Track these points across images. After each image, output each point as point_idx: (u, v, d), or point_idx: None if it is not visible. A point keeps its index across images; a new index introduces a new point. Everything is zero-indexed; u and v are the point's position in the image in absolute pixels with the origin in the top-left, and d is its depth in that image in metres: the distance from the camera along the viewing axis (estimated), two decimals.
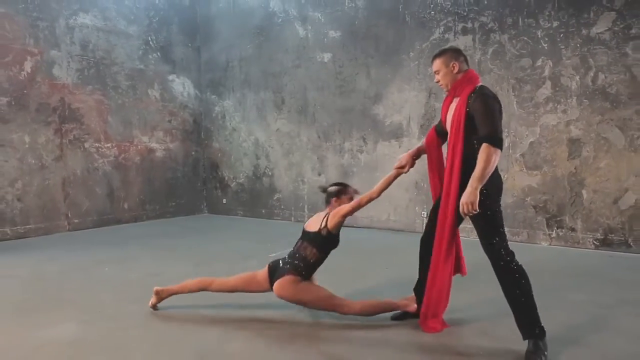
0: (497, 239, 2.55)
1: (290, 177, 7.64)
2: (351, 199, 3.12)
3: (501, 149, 2.52)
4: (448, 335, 2.79)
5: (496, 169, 2.58)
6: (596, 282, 3.90)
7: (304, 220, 7.42)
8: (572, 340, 2.70)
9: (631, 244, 4.95)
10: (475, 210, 2.47)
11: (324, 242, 3.02)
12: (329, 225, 3.00)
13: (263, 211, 7.88)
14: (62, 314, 3.24)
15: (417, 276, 3.02)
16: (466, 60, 2.79)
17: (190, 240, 6.03)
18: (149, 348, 2.66)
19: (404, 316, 3.04)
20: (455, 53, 2.78)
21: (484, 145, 2.49)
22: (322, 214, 3.12)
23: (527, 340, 2.51)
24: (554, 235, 5.40)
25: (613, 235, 5.06)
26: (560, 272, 4.24)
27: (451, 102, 2.78)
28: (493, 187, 2.57)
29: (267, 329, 2.91)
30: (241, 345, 2.70)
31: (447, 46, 2.87)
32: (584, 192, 5.21)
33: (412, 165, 3.03)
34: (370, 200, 2.97)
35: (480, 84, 2.70)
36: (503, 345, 2.63)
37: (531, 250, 5.15)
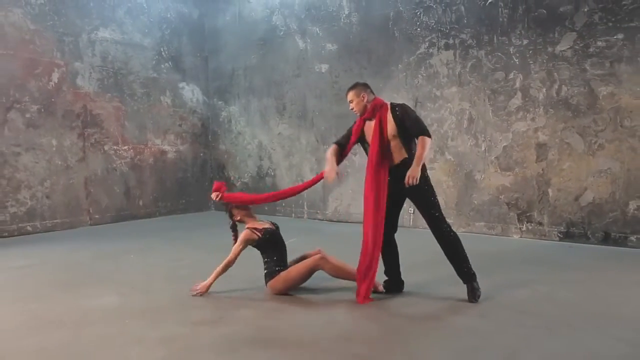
0: (438, 211, 3.48)
1: (290, 177, 8.34)
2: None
3: (431, 137, 3.50)
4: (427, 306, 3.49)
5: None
6: (549, 267, 4.57)
7: (302, 217, 8.15)
8: (510, 307, 3.39)
9: (589, 236, 5.63)
10: (417, 182, 3.35)
11: (264, 244, 3.70)
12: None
13: (266, 208, 8.54)
14: (102, 289, 3.95)
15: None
16: (372, 91, 3.67)
17: (201, 233, 6.74)
18: (179, 312, 3.37)
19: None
20: (364, 86, 3.63)
21: (422, 137, 3.41)
22: None
23: (466, 284, 3.52)
24: (524, 229, 6.09)
25: (574, 228, 5.75)
26: (522, 260, 4.90)
27: (363, 123, 3.63)
28: (424, 169, 3.48)
29: (266, 300, 3.62)
30: (249, 311, 3.41)
31: (357, 81, 3.82)
32: (550, 190, 5.89)
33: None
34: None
35: (389, 103, 3.60)
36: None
37: (504, 242, 5.83)
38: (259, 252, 3.80)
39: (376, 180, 3.52)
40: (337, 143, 3.83)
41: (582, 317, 3.20)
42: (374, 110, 3.55)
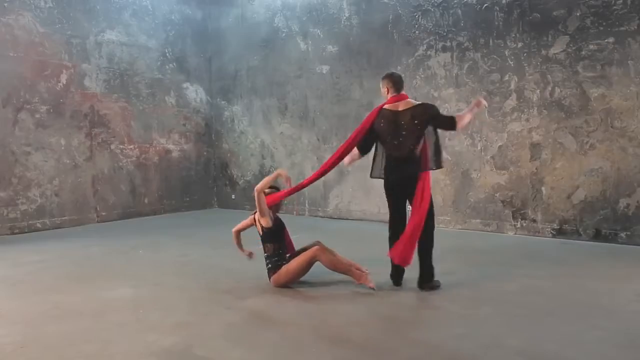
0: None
1: (292, 175, 8.40)
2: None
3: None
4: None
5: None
6: (541, 262, 4.77)
7: (304, 214, 8.35)
8: (499, 298, 3.60)
9: (581, 232, 5.84)
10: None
11: (270, 235, 3.90)
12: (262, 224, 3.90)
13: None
14: (116, 282, 4.16)
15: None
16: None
17: (205, 230, 6.95)
18: (189, 303, 3.59)
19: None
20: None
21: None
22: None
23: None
24: (518, 225, 6.29)
25: (567, 225, 5.95)
26: (515, 256, 5.09)
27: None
28: None
29: (269, 292, 3.83)
30: (254, 302, 3.62)
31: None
32: (543, 188, 6.10)
33: None
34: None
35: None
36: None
37: (499, 239, 6.03)
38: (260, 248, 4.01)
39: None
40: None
41: (565, 306, 3.42)
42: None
